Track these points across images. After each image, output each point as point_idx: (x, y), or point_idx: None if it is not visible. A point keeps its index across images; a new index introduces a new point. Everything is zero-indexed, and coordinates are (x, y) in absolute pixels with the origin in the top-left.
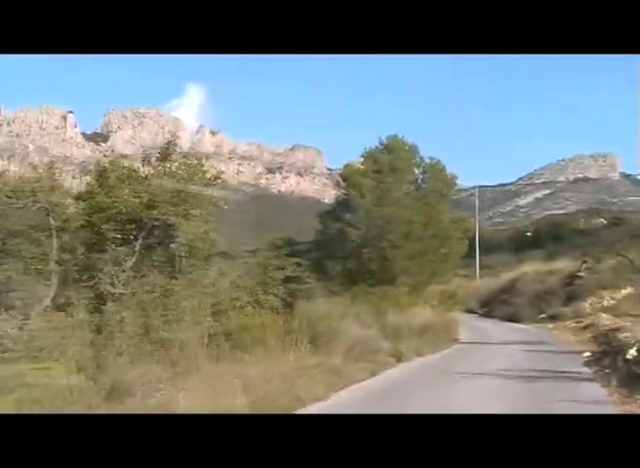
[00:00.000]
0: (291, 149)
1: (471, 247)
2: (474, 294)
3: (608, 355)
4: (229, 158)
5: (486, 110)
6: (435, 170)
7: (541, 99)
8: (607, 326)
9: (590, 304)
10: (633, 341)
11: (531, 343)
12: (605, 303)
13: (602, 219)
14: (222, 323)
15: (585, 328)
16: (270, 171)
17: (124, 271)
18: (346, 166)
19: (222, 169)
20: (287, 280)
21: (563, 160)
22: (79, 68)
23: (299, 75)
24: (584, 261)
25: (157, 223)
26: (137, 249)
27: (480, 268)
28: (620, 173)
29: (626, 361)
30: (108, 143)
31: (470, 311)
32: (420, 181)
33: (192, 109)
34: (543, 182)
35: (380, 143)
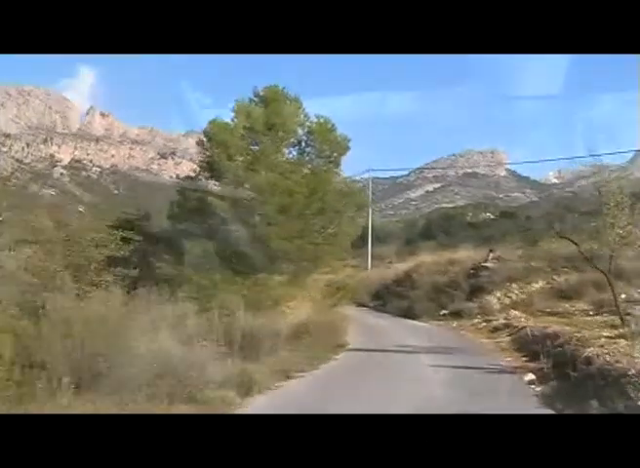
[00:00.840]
0: (184, 135)
1: (361, 237)
2: (365, 286)
3: (567, 380)
4: (120, 142)
5: (382, 101)
6: (323, 130)
7: (433, 94)
8: (534, 329)
9: (498, 299)
10: (634, 371)
11: (442, 352)
12: (514, 298)
13: (489, 214)
14: None
15: (498, 328)
16: (163, 156)
17: None
18: (212, 122)
19: (113, 153)
20: (114, 262)
21: (453, 155)
22: None
23: (191, 60)
24: (491, 250)
25: None
26: None
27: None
28: (506, 169)
29: None
30: None
31: (360, 304)
32: (304, 144)
33: (82, 90)
34: (434, 176)
35: (255, 95)
